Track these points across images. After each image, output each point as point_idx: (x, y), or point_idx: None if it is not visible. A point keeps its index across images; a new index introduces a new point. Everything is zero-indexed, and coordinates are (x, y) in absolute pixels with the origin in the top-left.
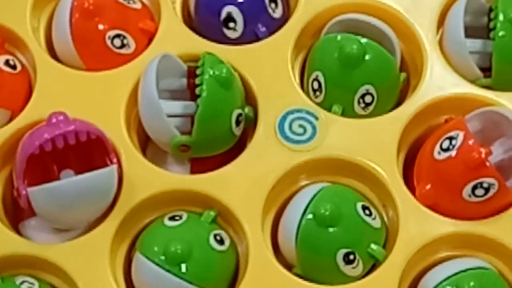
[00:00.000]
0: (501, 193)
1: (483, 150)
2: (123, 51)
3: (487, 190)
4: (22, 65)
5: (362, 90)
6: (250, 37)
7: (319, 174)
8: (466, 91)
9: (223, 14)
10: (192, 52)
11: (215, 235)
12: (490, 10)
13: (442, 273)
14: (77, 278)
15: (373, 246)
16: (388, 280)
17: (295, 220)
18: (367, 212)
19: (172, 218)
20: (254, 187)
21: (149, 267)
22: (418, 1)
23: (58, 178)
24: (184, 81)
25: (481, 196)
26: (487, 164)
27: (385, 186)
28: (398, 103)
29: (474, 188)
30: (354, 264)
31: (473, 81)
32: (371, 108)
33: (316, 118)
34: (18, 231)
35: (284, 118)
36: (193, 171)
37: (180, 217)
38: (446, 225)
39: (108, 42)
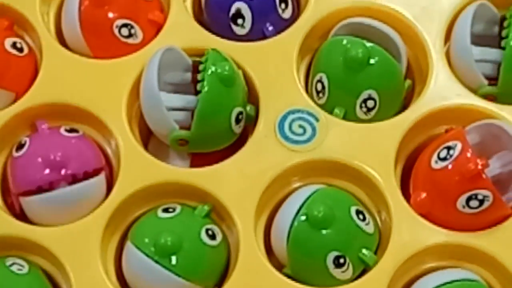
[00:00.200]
0: (495, 206)
1: (479, 162)
2: (130, 40)
3: (481, 202)
4: (30, 49)
5: (364, 95)
6: (257, 35)
7: (315, 176)
8: (469, 102)
9: (232, 10)
10: (198, 46)
11: (207, 230)
12: (503, 19)
13: (430, 283)
14: (67, 263)
15: (364, 251)
16: (376, 286)
17: (288, 220)
18: (360, 216)
19: (165, 210)
20: (250, 184)
21: (138, 257)
22: (427, 9)
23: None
24: (189, 75)
25: (475, 208)
26: (483, 176)
27: (381, 192)
28: (402, 110)
29: (469, 199)
30: (344, 268)
31: (477, 89)
32: (373, 113)
33: (317, 120)
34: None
35: (284, 117)
36: (192, 166)
37: (174, 210)
38: (438, 235)
39: (116, 31)
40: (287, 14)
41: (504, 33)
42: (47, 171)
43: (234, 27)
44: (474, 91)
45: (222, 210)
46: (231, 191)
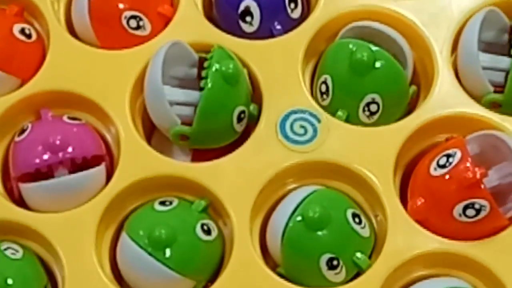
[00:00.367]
0: (491, 216)
1: (478, 171)
2: (138, 32)
3: (478, 211)
4: (38, 36)
5: (368, 98)
6: (265, 33)
7: (314, 177)
8: (472, 111)
9: (241, 7)
10: (205, 42)
11: (202, 225)
12: None
13: None
14: (61, 250)
15: (358, 254)
16: None
17: (284, 220)
18: (356, 220)
19: (162, 203)
20: (248, 181)
21: (132, 248)
22: (436, 16)
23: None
24: (194, 71)
25: (471, 217)
26: (481, 185)
27: (378, 196)
28: (406, 115)
29: (466, 208)
30: (337, 270)
31: (483, 96)
32: (376, 117)
33: (319, 121)
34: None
35: (286, 117)
36: (193, 162)
37: (171, 203)
38: (433, 242)
39: (124, 22)
40: (296, 14)
41: None
42: (45, 153)
43: (242, 24)
44: (480, 97)
45: (219, 206)
46: (229, 188)
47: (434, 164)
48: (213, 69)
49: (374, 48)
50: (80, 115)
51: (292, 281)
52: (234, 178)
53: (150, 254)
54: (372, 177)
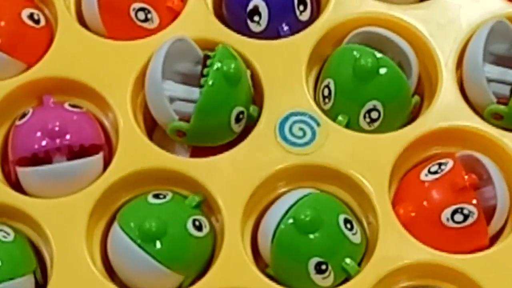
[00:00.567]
0: (478, 225)
1: (469, 176)
2: (145, 25)
3: (466, 217)
4: (47, 22)
5: (369, 105)
6: (272, 34)
7: (309, 180)
8: (472, 125)
9: (250, 6)
10: (211, 39)
11: (194, 220)
12: None
13: None
14: (51, 235)
15: (347, 260)
16: None
17: (275, 221)
18: (348, 226)
19: (156, 196)
20: (242, 180)
21: (122, 239)
22: (444, 27)
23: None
24: (199, 68)
25: (459, 223)
26: (471, 190)
27: (372, 204)
28: (407, 124)
29: (454, 212)
30: (325, 275)
31: (485, 106)
32: (376, 124)
33: (318, 124)
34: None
35: (286, 118)
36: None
37: (165, 196)
38: (423, 253)
39: (132, 13)
40: (304, 17)
41: None
42: (43, 139)
43: (250, 23)
44: (483, 108)
45: (212, 202)
46: (223, 185)
47: (425, 171)
48: (215, 67)
49: (378, 55)
50: (82, 103)
51: (280, 282)
52: (229, 176)
53: (139, 246)
54: (367, 184)
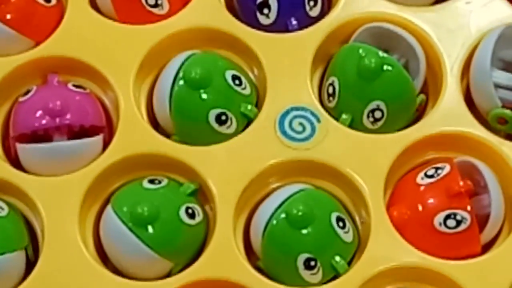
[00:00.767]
0: (470, 231)
1: (464, 183)
2: (155, 10)
3: (458, 223)
4: (58, 0)
5: (372, 105)
6: (281, 27)
7: (305, 175)
8: (472, 131)
9: None
10: (218, 28)
11: (187, 208)
12: None
13: None
14: (44, 213)
15: (337, 258)
16: None
17: (267, 214)
18: (340, 224)
19: (151, 181)
20: (238, 171)
21: (114, 221)
22: (453, 33)
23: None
24: None
25: (451, 228)
26: (465, 197)
27: (365, 203)
28: (412, 123)
29: (447, 217)
30: (314, 271)
31: (491, 111)
32: (379, 124)
33: (318, 120)
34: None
35: (287, 112)
36: None
37: (160, 182)
38: (413, 256)
39: None
40: (314, 12)
41: None
42: (43, 117)
43: (259, 15)
44: (488, 113)
45: (207, 191)
46: (218, 175)
47: (421, 174)
48: None
49: (383, 55)
50: (86, 84)
51: (269, 275)
52: (225, 166)
53: (130, 229)
54: (363, 184)
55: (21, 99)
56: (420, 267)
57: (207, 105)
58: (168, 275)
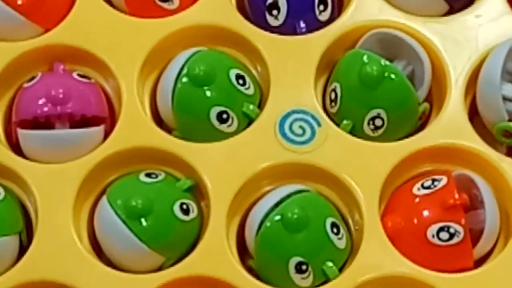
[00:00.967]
0: (463, 245)
1: (460, 196)
2: (165, 5)
3: (451, 236)
4: None
5: (373, 113)
6: (289, 30)
7: (302, 178)
8: (472, 145)
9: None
10: (225, 26)
11: (182, 203)
12: None
13: None
14: (39, 199)
15: (328, 263)
16: None
17: (262, 214)
18: (335, 230)
19: (148, 175)
20: (234, 171)
21: (108, 212)
22: (460, 45)
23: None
24: None
25: (444, 241)
26: (460, 210)
27: (360, 210)
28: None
29: (440, 230)
30: (305, 275)
31: (497, 123)
32: (380, 131)
33: (319, 125)
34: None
35: (288, 114)
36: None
37: (157, 176)
38: (403, 266)
39: None
40: (324, 17)
41: None
42: (45, 104)
43: (268, 17)
44: (493, 125)
45: (203, 188)
46: (214, 173)
47: (418, 185)
48: None
49: (385, 63)
50: (91, 74)
51: (260, 276)
52: (222, 164)
53: (123, 222)
54: (359, 191)
55: (25, 85)
56: (410, 277)
57: (209, 102)
58: (160, 269)
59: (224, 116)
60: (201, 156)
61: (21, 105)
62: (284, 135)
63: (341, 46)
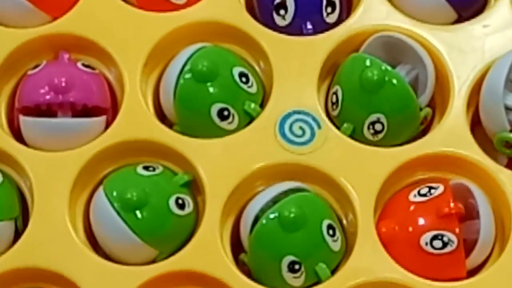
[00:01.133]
0: (456, 254)
1: (456, 205)
2: (173, 0)
3: (445, 244)
4: None
5: (373, 117)
6: (295, 30)
7: (298, 179)
8: (471, 155)
9: None
10: (231, 24)
11: (177, 198)
12: None
13: None
14: (36, 186)
15: (321, 265)
16: None
17: (256, 209)
18: (330, 232)
19: (146, 168)
20: (230, 168)
21: (103, 203)
22: (466, 55)
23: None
24: None
25: (437, 249)
26: (455, 219)
27: (355, 214)
28: (420, 136)
29: (434, 238)
30: (297, 275)
31: (498, 133)
32: (380, 136)
33: (319, 127)
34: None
35: (289, 115)
36: None
37: (154, 169)
38: (394, 272)
39: None
40: (331, 19)
41: None
42: (47, 92)
43: (275, 16)
44: (494, 135)
45: (200, 184)
46: (211, 168)
47: (415, 192)
48: None
49: (387, 68)
50: (96, 64)
51: (251, 271)
52: (219, 161)
53: (118, 213)
54: (355, 195)
55: (29, 72)
56: (401, 284)
57: (210, 99)
58: (153, 262)
59: (225, 113)
60: (199, 151)
61: (24, 92)
62: (283, 135)
63: (346, 49)
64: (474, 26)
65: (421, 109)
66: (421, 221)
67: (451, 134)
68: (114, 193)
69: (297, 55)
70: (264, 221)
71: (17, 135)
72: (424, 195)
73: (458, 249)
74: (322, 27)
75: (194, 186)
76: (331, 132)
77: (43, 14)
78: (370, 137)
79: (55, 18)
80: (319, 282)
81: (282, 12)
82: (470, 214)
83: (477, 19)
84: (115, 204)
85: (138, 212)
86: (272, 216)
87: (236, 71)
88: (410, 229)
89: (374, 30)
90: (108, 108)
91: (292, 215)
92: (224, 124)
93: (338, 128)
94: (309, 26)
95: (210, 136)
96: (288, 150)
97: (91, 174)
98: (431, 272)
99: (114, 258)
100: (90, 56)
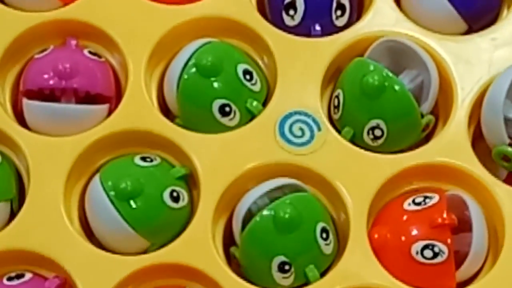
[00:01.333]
0: (446, 265)
1: (449, 216)
2: None
3: (435, 255)
4: None
5: (373, 123)
6: (304, 31)
7: (295, 179)
8: (469, 167)
9: None
10: (238, 20)
11: (172, 190)
12: None
13: None
14: (32, 169)
15: (311, 266)
16: None
17: (249, 201)
18: (324, 235)
19: (143, 159)
20: (226, 164)
21: (98, 190)
22: (472, 66)
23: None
24: None
25: (427, 259)
26: (448, 230)
27: (348, 218)
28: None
29: (425, 247)
30: (286, 275)
31: (497, 146)
32: (380, 141)
33: (319, 129)
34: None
35: (290, 115)
36: None
37: (151, 161)
38: (383, 279)
39: None
40: (340, 22)
41: None
42: (51, 77)
43: (285, 16)
44: (493, 147)
45: (196, 178)
46: (208, 164)
47: (409, 200)
48: None
49: (388, 74)
50: (103, 53)
51: (241, 266)
52: (217, 156)
53: (111, 201)
54: (349, 199)
55: (36, 56)
56: None
57: (212, 94)
58: (145, 253)
59: (227, 109)
60: (198, 146)
61: (28, 76)
62: (283, 134)
63: (352, 53)
64: (482, 39)
65: (423, 116)
66: (414, 230)
67: (450, 144)
68: (109, 182)
69: (302, 55)
70: (258, 219)
71: (20, 118)
72: (419, 204)
73: (449, 260)
74: (330, 29)
75: (191, 180)
76: (331, 135)
77: (55, 0)
78: (370, 142)
79: (65, 4)
80: (307, 283)
81: (291, 12)
82: (464, 226)
83: (486, 31)
84: (110, 193)
85: (132, 202)
86: (266, 214)
87: (241, 68)
88: (403, 238)
89: (380, 36)
90: (112, 97)
91: (287, 216)
92: (225, 120)
93: (339, 131)
94: (318, 28)
95: (211, 131)
96: (286, 150)
97: (88, 161)
98: (420, 281)
99: (107, 247)
100: (97, 43)
